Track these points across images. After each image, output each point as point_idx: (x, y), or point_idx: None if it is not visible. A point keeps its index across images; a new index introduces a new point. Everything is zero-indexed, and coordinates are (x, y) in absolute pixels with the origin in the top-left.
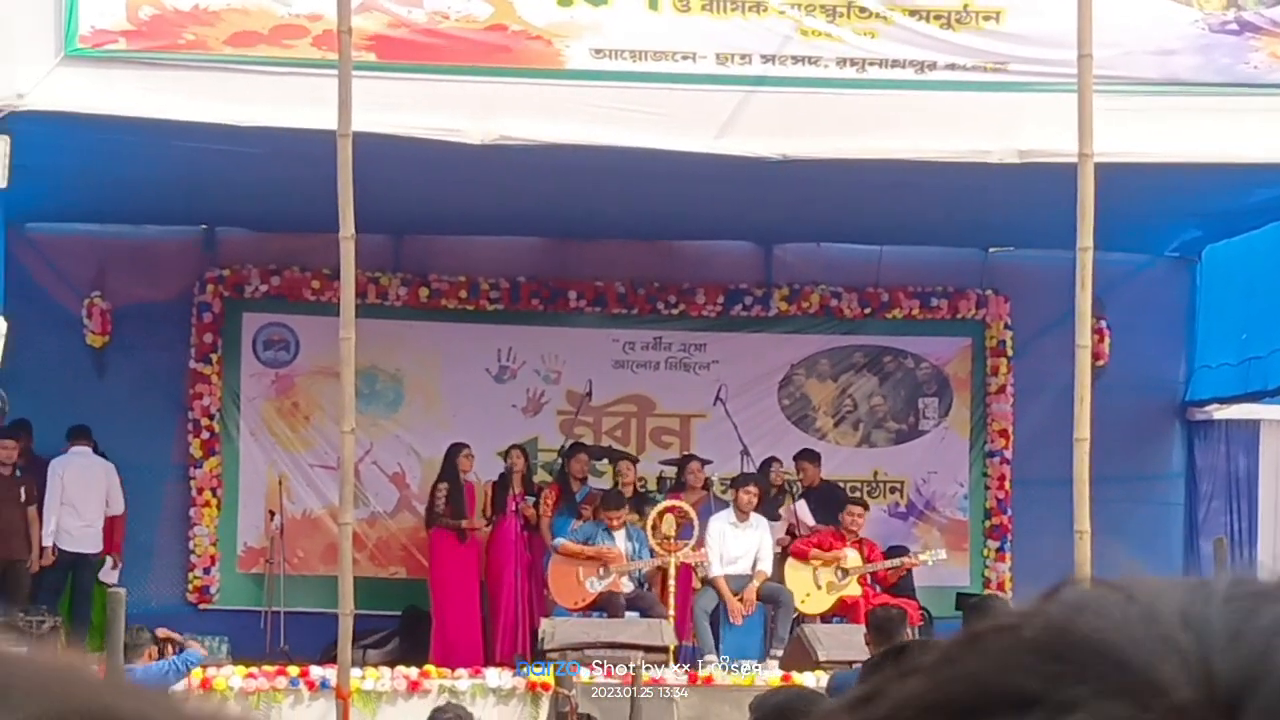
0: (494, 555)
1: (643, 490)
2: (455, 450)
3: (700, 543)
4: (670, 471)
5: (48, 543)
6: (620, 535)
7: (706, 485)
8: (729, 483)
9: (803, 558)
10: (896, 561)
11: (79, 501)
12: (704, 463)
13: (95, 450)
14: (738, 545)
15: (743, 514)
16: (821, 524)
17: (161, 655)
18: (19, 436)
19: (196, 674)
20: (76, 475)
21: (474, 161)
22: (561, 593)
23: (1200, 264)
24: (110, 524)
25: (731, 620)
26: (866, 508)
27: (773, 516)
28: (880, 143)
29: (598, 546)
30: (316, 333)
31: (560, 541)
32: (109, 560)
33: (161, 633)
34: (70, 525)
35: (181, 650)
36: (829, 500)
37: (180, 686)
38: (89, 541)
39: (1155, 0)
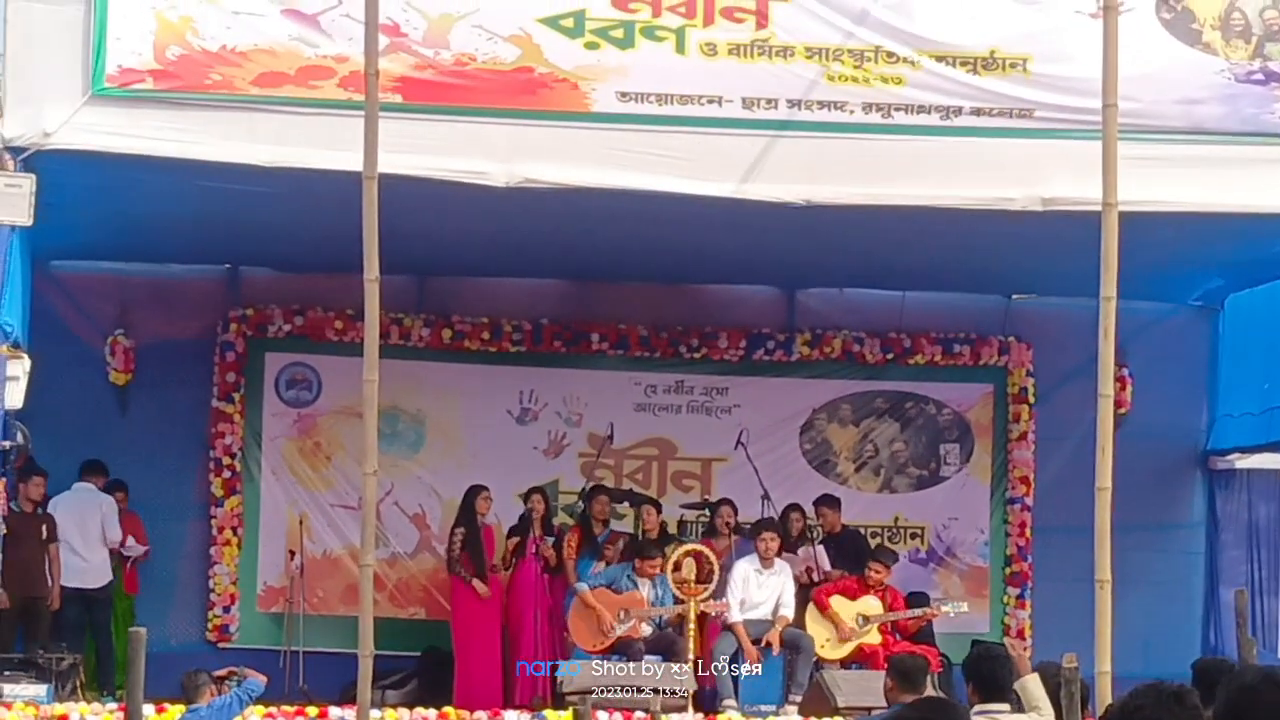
0: (514, 599)
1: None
2: (473, 493)
3: (720, 591)
4: (691, 515)
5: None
6: (647, 582)
7: (736, 530)
8: (748, 528)
9: (825, 606)
10: (918, 612)
11: (72, 537)
12: (736, 509)
13: (103, 486)
14: (760, 591)
15: (766, 560)
16: (839, 570)
17: (220, 692)
18: (43, 473)
19: None
20: (68, 510)
21: (499, 204)
22: (581, 635)
23: (1223, 313)
24: (122, 558)
25: (747, 665)
26: (889, 567)
27: (792, 549)
28: (905, 189)
29: (624, 594)
30: (339, 373)
31: (582, 588)
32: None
33: (221, 672)
34: (67, 560)
35: (241, 682)
36: (851, 548)
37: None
38: (91, 576)
39: (1181, 49)
